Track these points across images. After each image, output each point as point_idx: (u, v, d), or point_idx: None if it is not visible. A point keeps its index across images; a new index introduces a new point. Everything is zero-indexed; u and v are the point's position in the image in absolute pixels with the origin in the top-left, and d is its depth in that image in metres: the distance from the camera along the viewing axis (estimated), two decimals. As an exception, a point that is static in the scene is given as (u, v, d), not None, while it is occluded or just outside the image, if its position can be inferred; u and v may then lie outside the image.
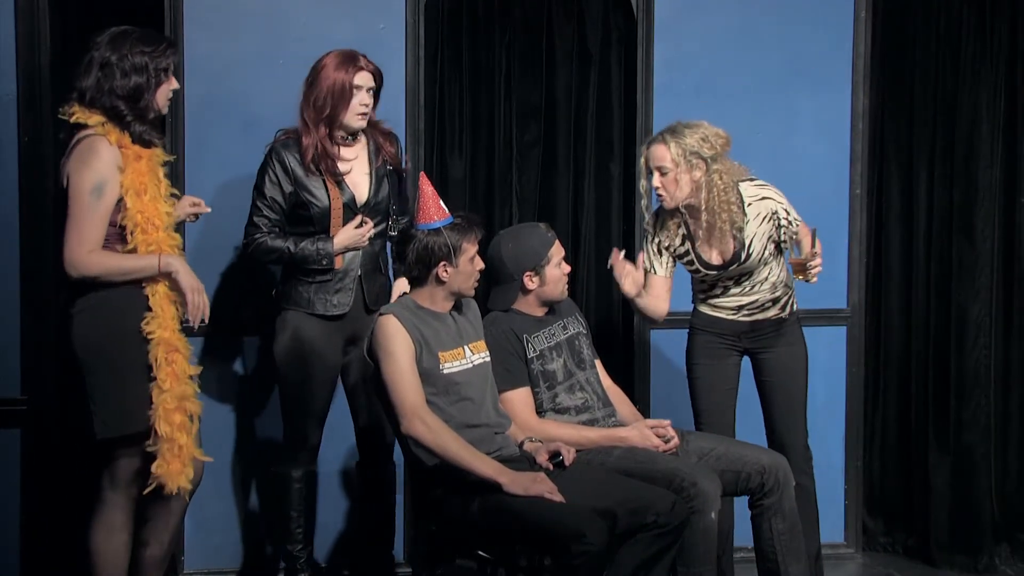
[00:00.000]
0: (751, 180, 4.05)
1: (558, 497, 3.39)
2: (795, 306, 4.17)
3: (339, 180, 4.02)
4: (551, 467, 3.62)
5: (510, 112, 4.77)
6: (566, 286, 3.94)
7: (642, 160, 4.04)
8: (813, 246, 3.90)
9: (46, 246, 4.17)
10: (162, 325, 3.44)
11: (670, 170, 3.95)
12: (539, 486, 3.41)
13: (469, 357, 3.65)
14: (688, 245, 4.07)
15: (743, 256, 4.01)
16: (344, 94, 3.96)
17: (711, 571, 3.71)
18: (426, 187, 3.62)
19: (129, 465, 3.48)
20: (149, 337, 3.41)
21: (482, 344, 3.74)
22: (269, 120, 4.41)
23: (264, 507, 4.58)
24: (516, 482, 3.42)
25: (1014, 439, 5.04)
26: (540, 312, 3.92)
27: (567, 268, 3.93)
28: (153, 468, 3.42)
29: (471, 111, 4.76)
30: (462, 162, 4.73)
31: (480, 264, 3.68)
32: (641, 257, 4.13)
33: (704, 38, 4.76)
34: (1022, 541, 4.97)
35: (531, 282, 3.88)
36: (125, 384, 3.41)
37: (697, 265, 4.07)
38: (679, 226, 4.08)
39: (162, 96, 3.53)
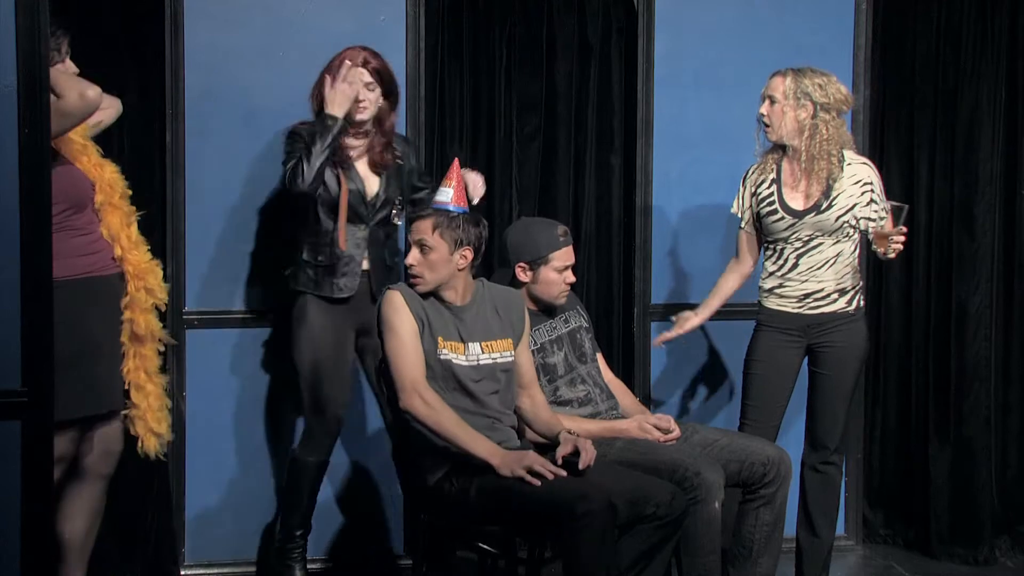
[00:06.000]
0: (856, 152, 4.18)
1: (547, 467, 3.37)
2: (862, 302, 4.17)
3: (348, 169, 4.11)
4: (559, 461, 3.57)
5: (510, 104, 4.77)
6: (563, 293, 3.90)
7: (763, 89, 4.11)
8: (901, 222, 3.92)
9: (47, 237, 4.17)
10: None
11: (778, 101, 4.04)
12: (527, 460, 3.39)
13: (475, 354, 3.60)
14: (774, 188, 4.09)
15: (824, 205, 4.03)
16: None
17: (715, 561, 3.72)
18: (461, 172, 3.68)
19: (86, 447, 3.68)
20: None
21: (502, 344, 3.65)
22: (269, 112, 4.44)
23: (263, 499, 4.58)
24: (505, 464, 3.41)
25: (1014, 431, 5.05)
26: (532, 307, 3.91)
27: (570, 278, 3.89)
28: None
29: (471, 103, 4.75)
30: (462, 154, 4.71)
31: (460, 261, 3.58)
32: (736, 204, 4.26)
33: (704, 30, 4.76)
34: (1022, 533, 4.98)
35: (523, 275, 3.87)
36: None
37: (777, 206, 4.08)
38: (772, 168, 4.12)
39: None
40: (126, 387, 3.71)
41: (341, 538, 4.63)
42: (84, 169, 3.61)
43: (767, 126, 4.09)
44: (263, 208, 4.48)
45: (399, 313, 3.52)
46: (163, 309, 3.80)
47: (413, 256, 3.56)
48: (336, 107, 4.05)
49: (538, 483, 3.36)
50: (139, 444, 3.75)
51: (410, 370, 3.48)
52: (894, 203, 3.99)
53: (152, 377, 3.75)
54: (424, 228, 3.56)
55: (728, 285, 4.31)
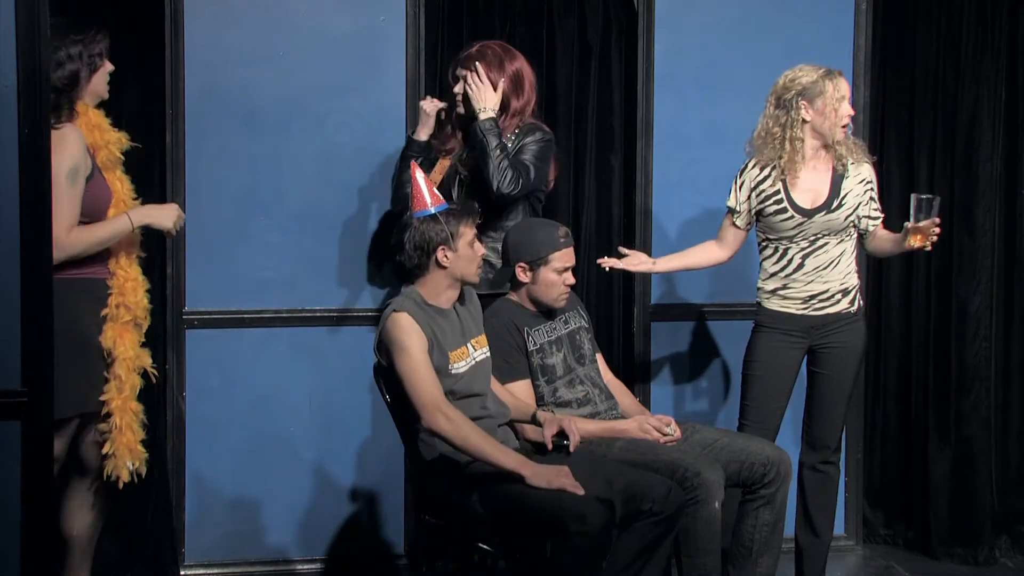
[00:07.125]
0: None
1: (580, 491, 3.38)
2: (861, 301, 4.17)
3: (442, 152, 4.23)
4: (550, 446, 3.62)
5: (510, 104, 4.77)
6: (562, 295, 3.90)
7: (827, 85, 4.02)
8: (934, 214, 3.89)
9: (47, 237, 4.17)
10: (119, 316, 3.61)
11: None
12: (562, 479, 3.39)
13: (472, 355, 3.65)
14: (780, 187, 4.08)
15: (834, 204, 4.03)
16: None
17: (715, 561, 3.72)
18: (417, 175, 3.62)
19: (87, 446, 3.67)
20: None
21: (483, 339, 3.73)
22: (269, 112, 4.44)
23: (263, 499, 4.58)
24: (539, 475, 3.40)
25: (1014, 431, 5.06)
26: (532, 308, 3.91)
27: (570, 279, 3.89)
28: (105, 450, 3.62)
29: (472, 103, 4.75)
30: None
31: (481, 249, 3.66)
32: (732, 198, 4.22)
33: (705, 30, 4.76)
34: (1022, 533, 4.98)
35: (523, 275, 3.87)
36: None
37: (786, 204, 4.06)
38: (774, 167, 4.10)
39: (100, 81, 3.63)
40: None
41: (341, 538, 4.63)
42: (108, 182, 3.63)
43: (849, 125, 4.08)
44: (263, 208, 4.48)
45: (410, 334, 3.49)
46: (143, 328, 3.69)
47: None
48: (418, 129, 4.21)
49: (581, 491, 3.38)
50: (108, 464, 3.64)
51: (428, 388, 3.47)
52: (924, 196, 3.93)
53: (120, 397, 3.62)
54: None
55: (696, 258, 4.30)
